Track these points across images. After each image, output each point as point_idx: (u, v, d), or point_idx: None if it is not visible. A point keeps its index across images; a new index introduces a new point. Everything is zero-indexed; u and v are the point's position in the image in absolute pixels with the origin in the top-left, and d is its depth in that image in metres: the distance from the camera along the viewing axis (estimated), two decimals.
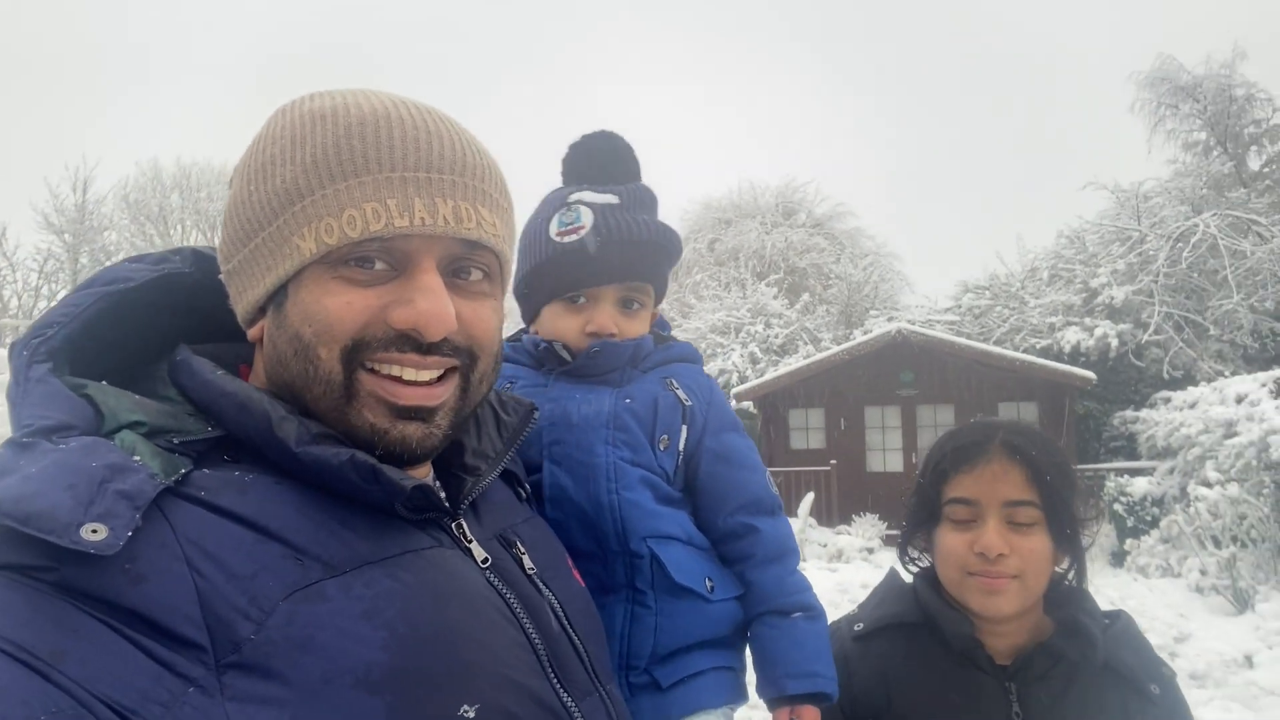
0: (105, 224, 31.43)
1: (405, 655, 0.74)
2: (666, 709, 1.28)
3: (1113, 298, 18.09)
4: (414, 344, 0.85)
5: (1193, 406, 13.11)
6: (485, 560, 0.91)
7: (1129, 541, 12.04)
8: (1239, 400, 12.05)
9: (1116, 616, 1.51)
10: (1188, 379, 16.33)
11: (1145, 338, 17.38)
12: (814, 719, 1.33)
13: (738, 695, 1.37)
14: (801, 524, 12.79)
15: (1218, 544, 9.98)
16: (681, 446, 1.39)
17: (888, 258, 33.85)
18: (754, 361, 22.17)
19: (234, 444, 0.83)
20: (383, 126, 0.84)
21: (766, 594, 1.38)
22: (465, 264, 0.90)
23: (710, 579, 1.35)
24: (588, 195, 1.39)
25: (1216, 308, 17.53)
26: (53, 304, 0.90)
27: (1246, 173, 22.50)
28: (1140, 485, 12.95)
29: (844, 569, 11.53)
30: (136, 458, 0.73)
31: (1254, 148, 22.73)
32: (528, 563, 0.98)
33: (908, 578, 1.63)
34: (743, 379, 20.58)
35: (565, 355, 1.40)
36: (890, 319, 21.60)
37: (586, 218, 1.36)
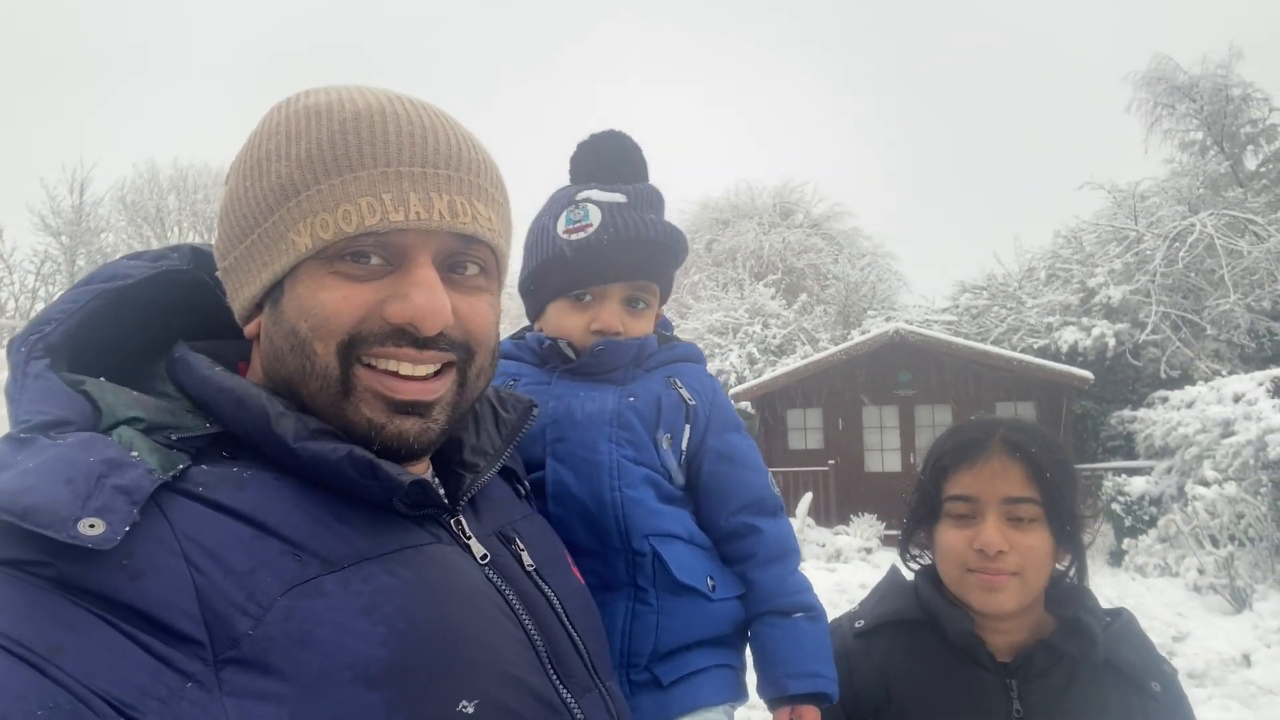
0: (102, 226, 31.37)
1: (404, 651, 0.74)
2: (667, 706, 1.28)
3: (1110, 297, 18.11)
4: (410, 339, 0.85)
5: (1190, 406, 13.13)
6: (484, 557, 0.91)
7: (1127, 541, 12.05)
8: (1236, 399, 12.06)
9: (1118, 614, 1.51)
10: (1185, 378, 16.34)
11: (1142, 337, 17.41)
12: (815, 719, 1.33)
13: (738, 693, 1.37)
14: (800, 524, 12.81)
15: (1215, 543, 9.99)
16: (684, 446, 1.39)
17: (885, 258, 33.97)
18: (752, 362, 22.18)
19: (232, 440, 0.83)
20: (377, 121, 0.84)
21: (768, 594, 1.38)
22: (461, 259, 0.90)
23: (712, 578, 1.35)
24: (596, 194, 1.39)
25: (1214, 307, 17.56)
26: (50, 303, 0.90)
27: (1243, 172, 22.56)
28: (1138, 485, 12.97)
29: (842, 569, 11.54)
30: (134, 453, 0.73)
31: (1250, 147, 22.79)
32: (527, 559, 0.98)
33: (909, 575, 1.63)
34: (740, 379, 20.60)
35: (569, 353, 1.40)
36: (888, 319, 21.62)
37: (594, 216, 1.36)
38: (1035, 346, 18.25)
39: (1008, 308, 20.97)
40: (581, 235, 1.36)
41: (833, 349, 17.98)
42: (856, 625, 1.58)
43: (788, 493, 14.73)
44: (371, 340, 0.84)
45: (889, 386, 16.80)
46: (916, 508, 1.55)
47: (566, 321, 1.40)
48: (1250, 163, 22.89)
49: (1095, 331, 17.58)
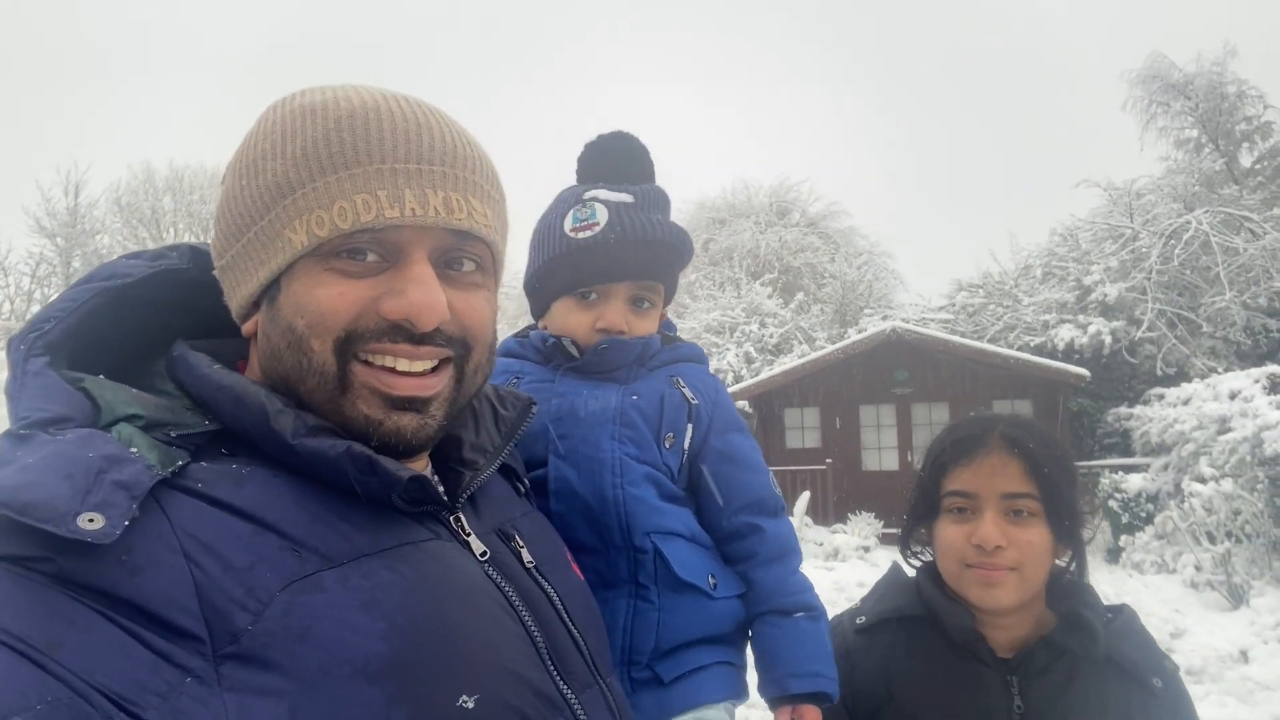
0: (98, 227, 31.30)
1: (404, 646, 0.74)
2: (668, 703, 1.28)
3: (1106, 295, 18.15)
4: (407, 335, 0.85)
5: (1186, 403, 13.16)
6: (484, 553, 0.91)
7: (1124, 538, 12.07)
8: (1232, 396, 12.10)
9: (1119, 610, 1.51)
10: (1181, 375, 16.39)
11: (1139, 334, 17.44)
12: (815, 719, 1.33)
13: (739, 691, 1.37)
14: (797, 523, 12.81)
15: (1212, 540, 10.02)
16: (686, 445, 1.40)
17: (882, 256, 34.01)
18: (749, 361, 22.18)
19: (231, 437, 0.83)
20: (372, 119, 0.84)
21: (769, 593, 1.39)
22: (457, 255, 0.90)
23: (713, 575, 1.35)
24: (603, 193, 1.39)
25: (1209, 304, 17.60)
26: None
27: (1238, 169, 22.61)
28: (1135, 482, 13.00)
29: (840, 567, 11.57)
30: (133, 449, 0.73)
31: (1245, 144, 22.86)
32: (526, 556, 0.98)
33: (910, 572, 1.63)
34: (738, 378, 20.60)
35: (573, 351, 1.40)
36: (884, 318, 21.63)
37: (601, 215, 1.37)
38: (1032, 344, 18.26)
39: (1004, 306, 20.98)
40: (588, 234, 1.36)
41: (829, 348, 18.00)
42: (858, 622, 1.58)
43: (785, 492, 14.74)
44: (368, 336, 0.84)
45: (886, 385, 16.82)
46: (916, 504, 1.55)
47: (571, 319, 1.41)
48: (1245, 160, 22.97)
49: (1091, 329, 17.61)
